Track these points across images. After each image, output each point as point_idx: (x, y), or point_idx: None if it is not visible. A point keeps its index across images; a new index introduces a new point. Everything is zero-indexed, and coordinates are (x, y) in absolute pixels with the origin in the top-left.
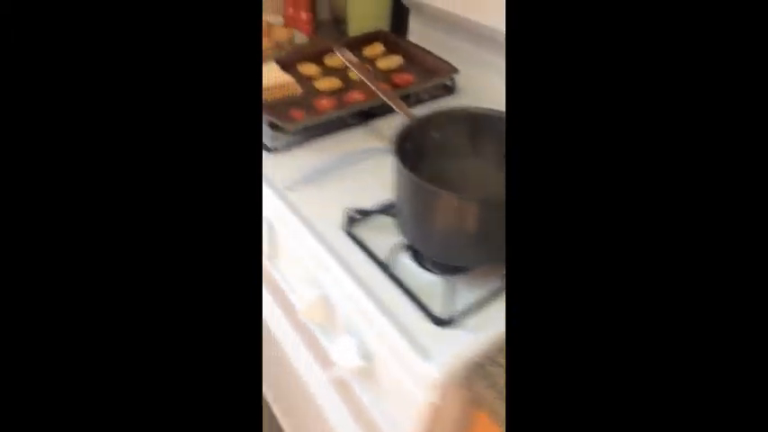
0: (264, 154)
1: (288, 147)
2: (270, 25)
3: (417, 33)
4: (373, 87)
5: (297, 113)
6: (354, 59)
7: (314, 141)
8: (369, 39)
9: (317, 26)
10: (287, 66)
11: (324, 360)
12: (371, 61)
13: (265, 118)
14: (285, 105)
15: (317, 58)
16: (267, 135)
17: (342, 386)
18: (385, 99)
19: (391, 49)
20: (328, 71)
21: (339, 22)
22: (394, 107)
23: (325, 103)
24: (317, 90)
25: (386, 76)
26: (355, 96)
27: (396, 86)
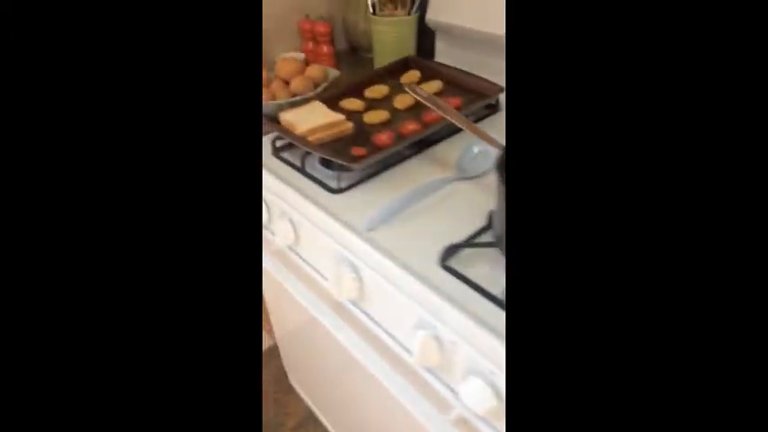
0: (330, 196)
1: (351, 186)
2: (302, 63)
3: (444, 54)
4: (455, 120)
5: (358, 151)
6: (425, 94)
7: (376, 177)
8: (401, 66)
9: (337, 58)
10: (330, 103)
11: (438, 401)
12: None
13: (322, 159)
14: (343, 144)
15: (357, 92)
16: (329, 176)
17: (465, 425)
18: (468, 130)
19: (427, 74)
20: (372, 103)
21: (356, 50)
22: (480, 138)
23: (383, 137)
24: (368, 124)
25: None
26: (411, 127)
27: None
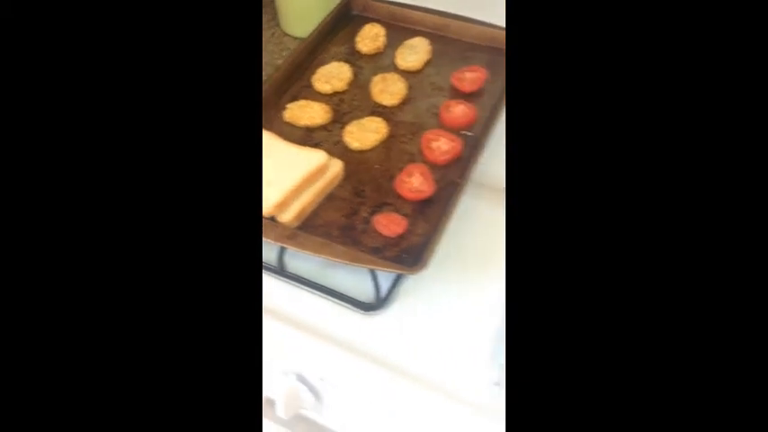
0: (363, 318)
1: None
2: None
3: None
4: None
5: (391, 222)
6: None
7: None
8: (345, 19)
9: None
10: (265, 123)
11: None
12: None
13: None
14: (343, 207)
15: (302, 88)
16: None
17: None
18: None
19: (396, 28)
20: (338, 104)
21: None
22: None
23: (416, 176)
24: (358, 152)
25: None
26: (444, 146)
27: (465, 92)
